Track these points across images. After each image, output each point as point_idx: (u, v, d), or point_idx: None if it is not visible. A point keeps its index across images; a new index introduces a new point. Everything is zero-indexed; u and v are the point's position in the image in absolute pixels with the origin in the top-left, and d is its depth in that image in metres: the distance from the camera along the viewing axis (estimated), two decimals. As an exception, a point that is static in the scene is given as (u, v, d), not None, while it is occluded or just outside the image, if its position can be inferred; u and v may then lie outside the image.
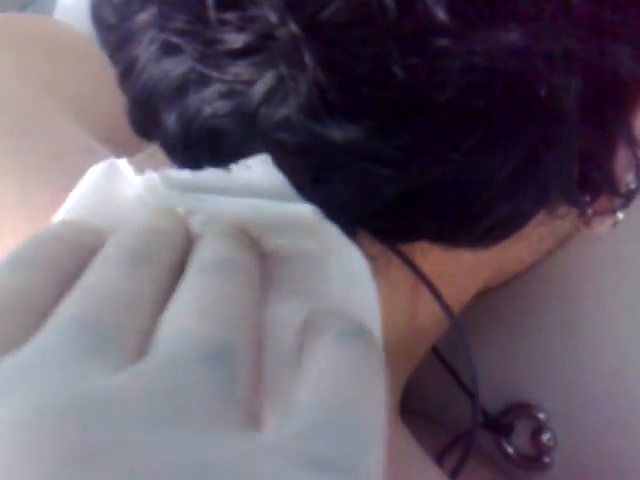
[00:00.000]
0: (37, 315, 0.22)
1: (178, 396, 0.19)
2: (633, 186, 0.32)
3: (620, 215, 0.33)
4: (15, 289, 0.23)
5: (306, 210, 0.26)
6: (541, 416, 0.41)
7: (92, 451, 0.17)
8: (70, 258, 0.24)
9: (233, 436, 0.19)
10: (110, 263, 0.24)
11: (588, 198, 0.30)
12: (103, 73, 0.31)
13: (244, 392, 0.20)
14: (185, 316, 0.22)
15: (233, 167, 0.26)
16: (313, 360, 0.22)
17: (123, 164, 0.27)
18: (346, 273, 0.26)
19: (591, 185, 0.30)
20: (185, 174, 0.26)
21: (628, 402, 0.40)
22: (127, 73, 0.29)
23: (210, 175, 0.26)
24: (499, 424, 0.42)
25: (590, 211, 0.32)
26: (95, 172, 0.27)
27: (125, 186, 0.27)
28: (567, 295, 0.42)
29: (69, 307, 0.22)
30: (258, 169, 0.26)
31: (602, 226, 0.33)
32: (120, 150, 0.30)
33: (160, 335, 0.21)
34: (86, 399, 0.19)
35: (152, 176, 0.26)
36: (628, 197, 0.32)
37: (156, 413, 0.19)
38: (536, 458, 0.41)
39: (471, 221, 0.28)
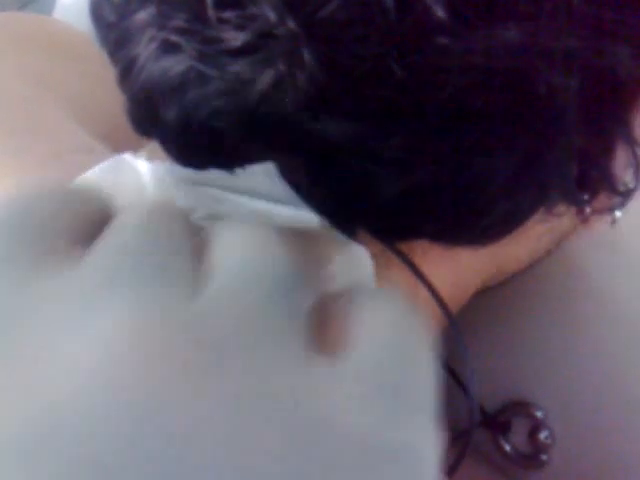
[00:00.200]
0: (85, 235, 0.22)
1: (258, 321, 0.20)
2: (631, 185, 0.32)
3: (618, 214, 0.33)
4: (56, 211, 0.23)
5: (310, 217, 0.26)
6: (538, 414, 0.41)
7: (204, 368, 0.19)
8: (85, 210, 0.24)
9: (310, 362, 0.20)
10: (139, 218, 0.24)
11: (586, 197, 0.30)
12: (102, 72, 0.31)
13: (310, 319, 0.21)
14: (240, 249, 0.22)
15: (238, 171, 0.26)
16: (354, 318, 0.22)
17: (129, 156, 0.27)
18: (349, 273, 0.27)
19: (590, 184, 0.30)
20: (190, 171, 0.26)
21: (626, 400, 0.40)
22: (126, 72, 0.29)
23: (214, 176, 0.26)
24: (496, 422, 0.42)
25: (588, 210, 0.32)
26: (97, 169, 0.27)
27: (129, 179, 0.27)
28: (565, 294, 0.42)
29: (122, 231, 0.22)
30: (262, 176, 0.26)
31: (600, 225, 0.33)
32: (119, 148, 0.30)
33: (218, 264, 0.22)
34: (188, 317, 0.20)
35: (159, 167, 0.26)
36: (626, 196, 0.32)
37: (246, 336, 0.20)
38: (533, 456, 0.42)
39: (471, 220, 0.28)
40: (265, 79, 0.25)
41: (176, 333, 0.19)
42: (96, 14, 0.31)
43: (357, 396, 0.20)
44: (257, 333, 0.20)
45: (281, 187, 0.26)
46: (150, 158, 0.27)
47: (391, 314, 0.22)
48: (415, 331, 0.22)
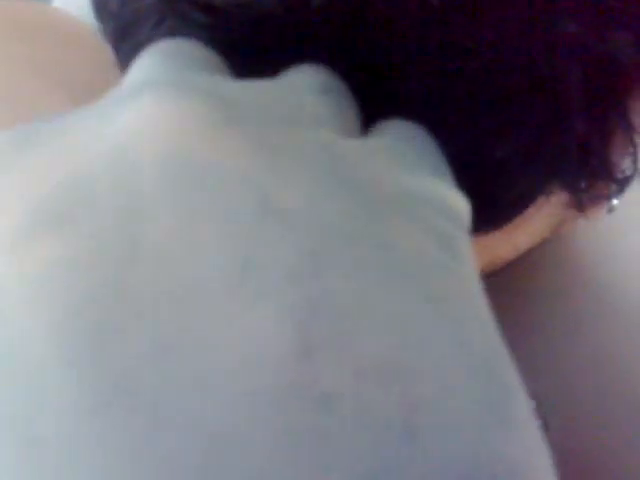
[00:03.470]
0: None
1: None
2: (629, 172, 0.32)
3: (615, 202, 0.33)
4: None
5: None
6: (538, 412, 0.41)
7: None
8: None
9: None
10: None
11: (584, 184, 0.31)
12: (108, 60, 0.31)
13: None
14: None
15: None
16: None
17: None
18: None
19: (587, 171, 0.30)
20: None
21: (627, 399, 0.40)
22: (130, 59, 0.29)
23: None
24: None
25: (585, 197, 0.32)
26: None
27: None
28: (562, 285, 0.42)
29: None
30: None
31: (597, 213, 0.34)
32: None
33: None
34: None
35: None
36: (623, 183, 0.33)
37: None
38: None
39: (489, 200, 0.28)
40: None
41: None
42: (98, 3, 0.31)
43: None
44: None
45: None
46: None
47: None
48: None
